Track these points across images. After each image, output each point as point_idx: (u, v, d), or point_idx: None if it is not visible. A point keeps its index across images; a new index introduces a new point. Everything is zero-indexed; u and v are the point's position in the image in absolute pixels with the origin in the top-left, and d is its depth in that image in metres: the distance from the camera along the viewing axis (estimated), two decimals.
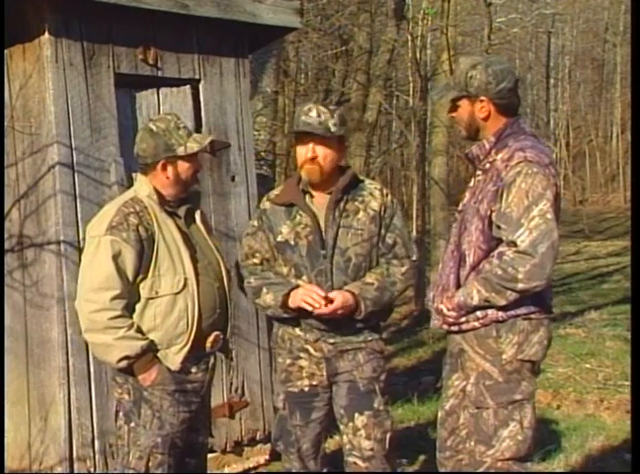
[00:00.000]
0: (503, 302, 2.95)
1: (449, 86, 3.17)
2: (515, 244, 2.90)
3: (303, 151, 3.34)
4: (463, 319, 3.05)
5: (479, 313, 3.02)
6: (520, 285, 2.90)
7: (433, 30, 12.39)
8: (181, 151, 3.22)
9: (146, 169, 3.28)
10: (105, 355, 3.21)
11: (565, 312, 9.63)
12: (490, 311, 3.00)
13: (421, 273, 9.64)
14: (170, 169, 3.24)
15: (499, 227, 2.97)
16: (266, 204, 3.48)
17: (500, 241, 2.98)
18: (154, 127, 3.26)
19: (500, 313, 3.00)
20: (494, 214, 2.98)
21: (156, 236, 3.17)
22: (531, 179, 2.92)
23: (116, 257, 3.11)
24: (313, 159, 3.32)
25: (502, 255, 2.95)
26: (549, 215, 2.91)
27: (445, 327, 3.13)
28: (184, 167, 3.25)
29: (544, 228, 2.89)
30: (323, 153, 3.33)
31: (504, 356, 3.01)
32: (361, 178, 3.52)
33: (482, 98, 3.06)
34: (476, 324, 3.03)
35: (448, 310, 3.07)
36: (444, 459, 3.19)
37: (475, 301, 2.99)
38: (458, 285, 3.08)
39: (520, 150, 2.98)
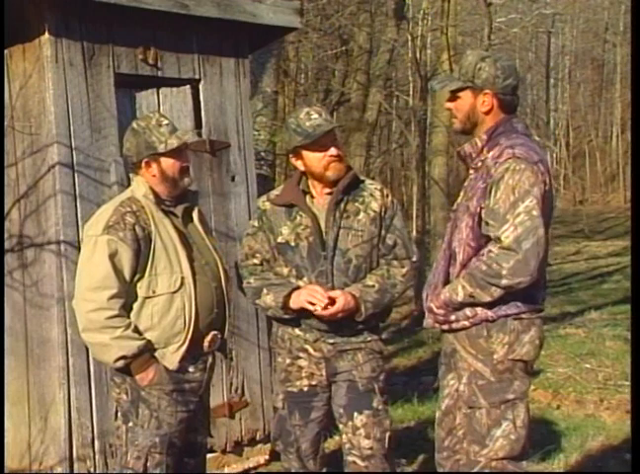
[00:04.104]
0: (487, 298, 2.94)
1: (453, 77, 3.15)
2: (500, 240, 2.91)
3: (321, 154, 3.32)
4: (453, 318, 3.04)
5: (469, 312, 3.01)
6: (504, 281, 2.89)
7: (433, 30, 12.41)
8: (161, 148, 3.22)
9: (134, 168, 3.30)
10: (102, 355, 3.22)
11: (565, 312, 9.64)
12: (479, 310, 2.99)
13: (421, 273, 9.63)
14: (154, 166, 3.25)
15: (487, 224, 2.97)
16: (266, 205, 3.47)
17: (489, 238, 2.98)
18: (136, 126, 3.29)
19: (490, 313, 2.99)
20: (483, 211, 2.98)
21: (153, 235, 3.17)
22: (519, 175, 2.92)
23: (112, 256, 3.11)
24: (338, 155, 3.34)
25: (489, 251, 2.94)
26: (535, 212, 2.90)
27: (437, 325, 3.11)
28: (168, 163, 3.25)
29: (529, 225, 2.88)
30: (340, 148, 3.37)
31: (495, 356, 3.00)
32: (362, 178, 3.52)
33: (487, 91, 3.05)
34: (466, 323, 3.02)
35: (437, 308, 3.06)
36: (442, 460, 3.19)
37: (460, 297, 2.98)
38: (447, 283, 3.07)
39: (509, 147, 2.98)
